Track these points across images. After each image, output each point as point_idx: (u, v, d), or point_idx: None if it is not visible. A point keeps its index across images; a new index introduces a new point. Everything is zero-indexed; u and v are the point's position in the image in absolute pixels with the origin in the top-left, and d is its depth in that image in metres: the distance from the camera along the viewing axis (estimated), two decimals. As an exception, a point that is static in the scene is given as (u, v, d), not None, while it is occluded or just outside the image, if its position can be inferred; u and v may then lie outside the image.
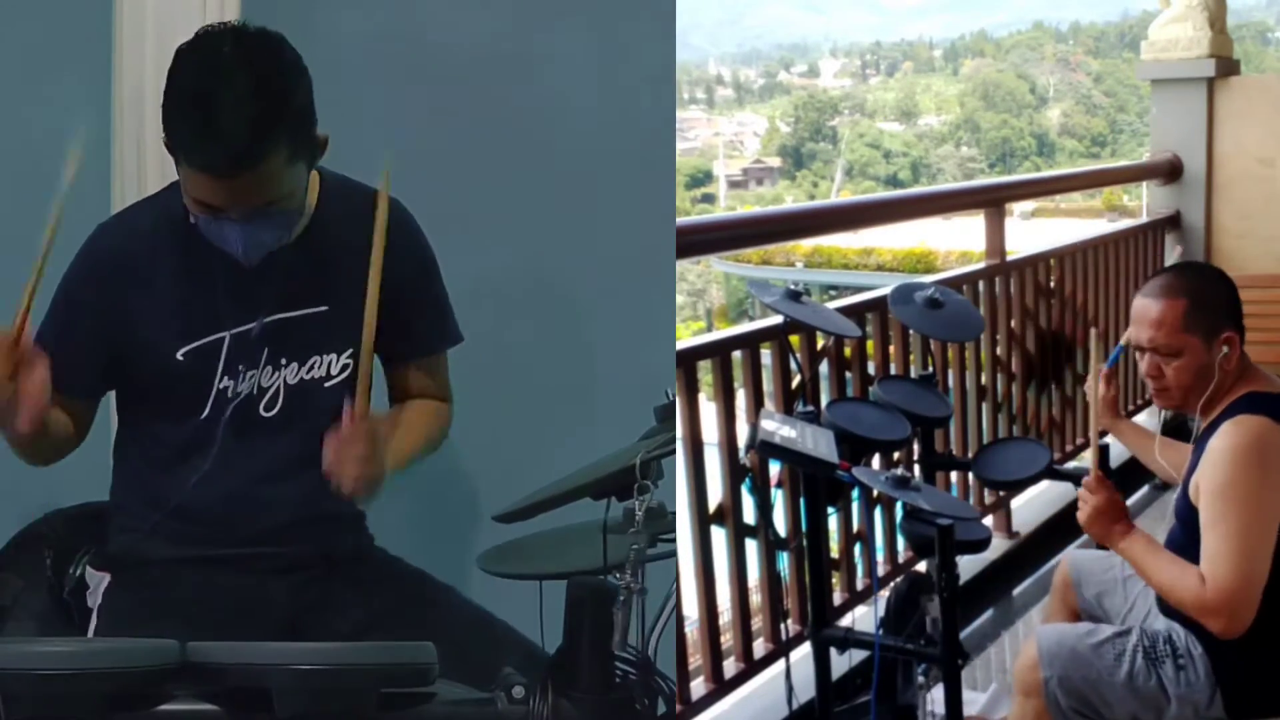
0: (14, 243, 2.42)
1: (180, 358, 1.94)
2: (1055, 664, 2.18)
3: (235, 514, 2.00)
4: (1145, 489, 4.54)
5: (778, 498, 2.70)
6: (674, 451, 1.77)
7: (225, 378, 1.96)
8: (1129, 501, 4.33)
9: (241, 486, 1.99)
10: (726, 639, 2.89)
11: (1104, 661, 2.16)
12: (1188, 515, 2.12)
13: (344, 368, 2.00)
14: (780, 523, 2.81)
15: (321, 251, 1.99)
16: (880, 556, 3.30)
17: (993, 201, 4.03)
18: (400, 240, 2.00)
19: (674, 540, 1.77)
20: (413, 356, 2.12)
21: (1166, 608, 2.20)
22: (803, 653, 2.66)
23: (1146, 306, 2.18)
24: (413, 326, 2.09)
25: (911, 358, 3.39)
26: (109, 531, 2.06)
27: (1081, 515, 2.17)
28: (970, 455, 3.44)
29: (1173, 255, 5.23)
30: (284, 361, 1.98)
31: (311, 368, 2.00)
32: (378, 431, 1.87)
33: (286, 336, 1.98)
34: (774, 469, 2.73)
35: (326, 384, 2.00)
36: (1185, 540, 2.12)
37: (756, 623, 2.95)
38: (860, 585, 3.18)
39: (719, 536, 2.77)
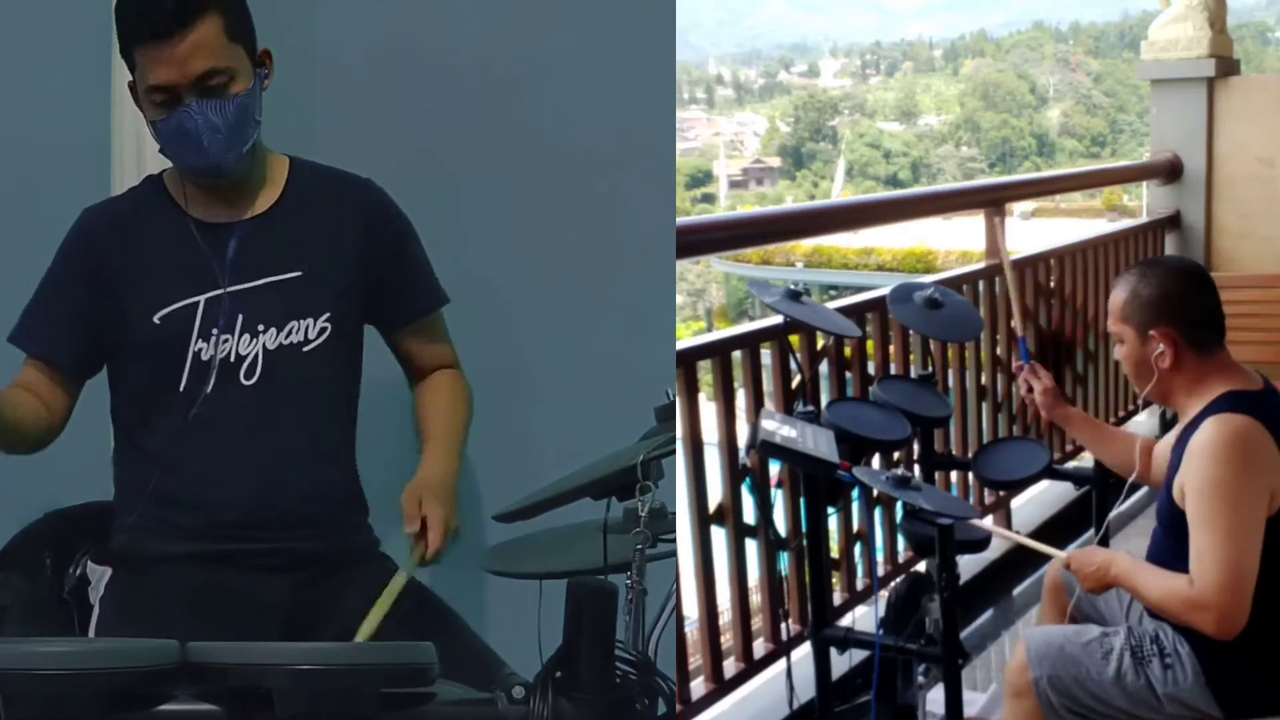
0: (14, 240, 2.43)
1: (157, 322, 2.00)
2: (1044, 664, 2.18)
3: (233, 495, 2.01)
4: (1145, 489, 4.52)
5: (778, 498, 2.70)
6: (674, 451, 1.77)
7: (199, 340, 2.00)
8: (1128, 503, 4.36)
9: (233, 458, 2.01)
10: (726, 639, 2.89)
11: (1092, 660, 2.16)
12: (1171, 517, 2.11)
13: (321, 331, 2.05)
14: (780, 523, 2.81)
15: (292, 223, 2.07)
16: (880, 556, 3.30)
17: (993, 201, 4.03)
18: (375, 214, 2.13)
19: (674, 540, 1.77)
20: (405, 321, 2.19)
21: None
22: (803, 653, 2.66)
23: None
24: (398, 293, 2.16)
25: (911, 358, 3.40)
26: (112, 529, 2.06)
27: (1087, 584, 2.20)
28: (970, 455, 3.44)
29: None
30: (261, 328, 2.02)
31: (290, 333, 2.04)
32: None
33: (262, 302, 2.03)
34: (774, 469, 2.73)
35: (305, 349, 2.04)
36: (1169, 542, 2.11)
37: (756, 623, 2.95)
38: (860, 585, 3.18)
39: (719, 536, 2.77)
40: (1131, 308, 2.20)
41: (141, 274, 2.02)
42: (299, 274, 2.05)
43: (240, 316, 2.01)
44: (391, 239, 2.14)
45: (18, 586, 2.04)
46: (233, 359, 2.01)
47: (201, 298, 2.01)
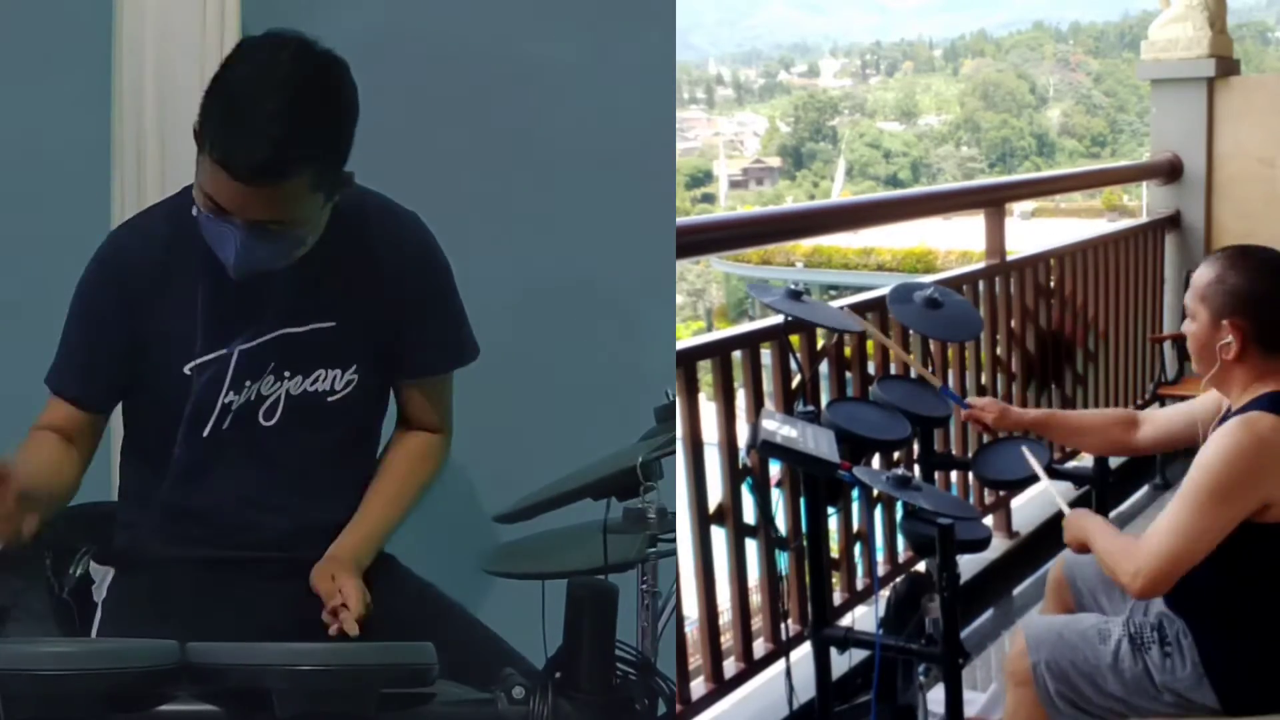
0: (15, 240, 2.44)
1: (187, 372, 1.93)
2: (1042, 649, 2.19)
3: (238, 520, 2.00)
4: (1145, 489, 4.54)
5: (778, 498, 2.70)
6: (674, 452, 1.78)
7: (231, 393, 1.94)
8: (1127, 503, 4.34)
9: (244, 493, 1.99)
10: (726, 639, 2.89)
11: (1089, 646, 2.17)
12: None
13: (348, 383, 2.00)
14: (780, 523, 2.81)
15: (331, 269, 1.96)
16: (880, 556, 3.30)
17: (993, 201, 4.03)
18: (415, 257, 2.03)
19: (674, 540, 1.78)
20: (411, 376, 2.09)
21: (1167, 596, 2.19)
22: (803, 653, 2.66)
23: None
24: (415, 348, 2.06)
25: (911, 357, 3.40)
26: (114, 529, 2.06)
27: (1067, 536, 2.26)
28: (970, 455, 3.44)
29: None
30: (288, 374, 1.97)
31: (315, 380, 1.98)
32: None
33: (294, 351, 1.97)
34: (774, 469, 2.73)
35: (330, 399, 1.99)
36: None
37: (756, 623, 2.95)
38: (860, 585, 3.19)
39: (719, 536, 2.77)
40: (1212, 290, 2.16)
41: (174, 319, 1.92)
42: (332, 324, 1.97)
43: (272, 364, 1.95)
44: (424, 291, 2.04)
45: (18, 586, 2.03)
46: (254, 398, 1.96)
47: (236, 350, 1.93)
